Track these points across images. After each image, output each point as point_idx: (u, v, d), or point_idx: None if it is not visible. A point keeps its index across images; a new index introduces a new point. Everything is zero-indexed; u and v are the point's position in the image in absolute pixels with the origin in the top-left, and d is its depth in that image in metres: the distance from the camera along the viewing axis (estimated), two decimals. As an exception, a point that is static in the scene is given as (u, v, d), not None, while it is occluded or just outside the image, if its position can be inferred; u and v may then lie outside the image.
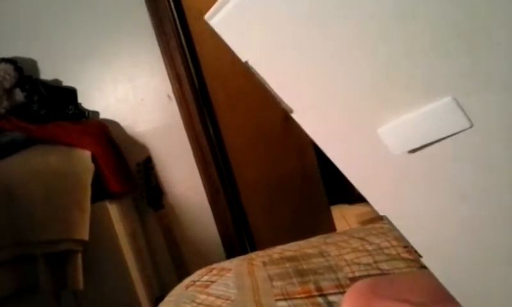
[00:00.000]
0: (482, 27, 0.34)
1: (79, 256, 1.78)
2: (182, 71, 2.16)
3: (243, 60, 0.45)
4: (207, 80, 2.27)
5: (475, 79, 0.36)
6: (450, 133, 0.39)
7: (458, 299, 0.53)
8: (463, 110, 0.37)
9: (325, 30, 0.38)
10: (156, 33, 2.15)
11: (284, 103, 0.47)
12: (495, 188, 0.42)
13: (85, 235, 1.79)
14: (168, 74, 2.18)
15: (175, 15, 2.22)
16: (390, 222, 0.50)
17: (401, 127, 0.41)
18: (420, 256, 0.52)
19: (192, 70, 2.28)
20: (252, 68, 0.45)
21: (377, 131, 0.42)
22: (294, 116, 0.47)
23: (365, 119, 0.43)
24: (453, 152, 0.41)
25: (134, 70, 2.24)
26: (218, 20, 0.42)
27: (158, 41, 2.16)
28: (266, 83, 0.46)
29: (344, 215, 3.56)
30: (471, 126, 0.37)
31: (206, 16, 0.43)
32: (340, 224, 3.20)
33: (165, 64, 2.17)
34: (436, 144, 0.40)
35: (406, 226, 0.51)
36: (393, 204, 0.50)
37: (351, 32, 0.37)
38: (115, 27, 2.21)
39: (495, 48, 0.34)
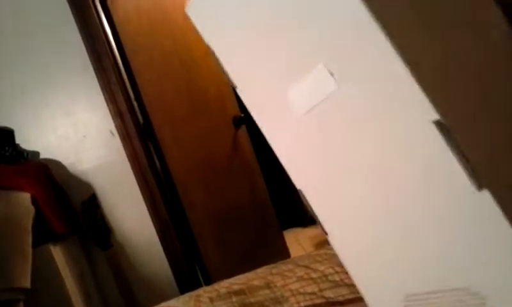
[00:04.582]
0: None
1: (21, 305, 1.70)
2: (123, 106, 2.13)
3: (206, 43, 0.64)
4: (151, 114, 2.25)
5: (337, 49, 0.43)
6: (325, 96, 0.47)
7: (355, 279, 0.56)
8: (331, 74, 0.45)
9: (250, 21, 0.50)
10: (95, 69, 2.11)
11: (230, 80, 0.63)
12: (362, 149, 0.48)
13: (26, 283, 1.70)
14: (110, 110, 2.15)
15: (114, 50, 2.20)
16: (304, 198, 0.55)
17: (300, 91, 0.50)
18: (326, 234, 0.56)
19: (135, 104, 2.25)
20: (212, 50, 0.63)
21: (288, 92, 0.51)
22: (238, 91, 0.62)
23: (279, 81, 0.52)
24: (329, 113, 0.48)
25: (73, 106, 2.19)
26: (190, 7, 0.60)
27: (97, 77, 2.12)
28: (220, 63, 0.64)
29: (297, 239, 3.58)
30: (337, 89, 0.45)
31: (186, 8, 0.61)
32: (294, 248, 3.21)
33: (106, 100, 2.14)
34: (318, 106, 0.48)
35: (312, 198, 0.56)
36: (300, 172, 0.57)
37: (263, 20, 0.49)
38: (51, 63, 2.16)
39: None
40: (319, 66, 0.45)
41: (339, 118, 0.48)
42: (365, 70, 0.42)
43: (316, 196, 0.56)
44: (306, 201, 0.57)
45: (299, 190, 0.57)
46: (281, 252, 2.76)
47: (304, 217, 3.85)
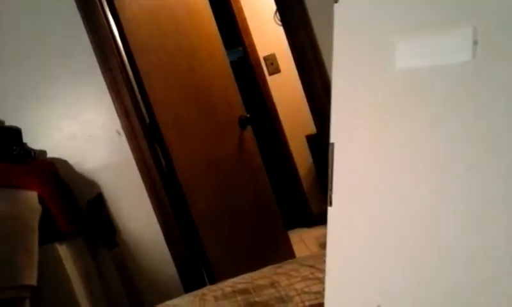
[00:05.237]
0: None
1: (27, 302, 1.71)
2: (130, 105, 2.14)
3: None
4: (157, 113, 2.26)
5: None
6: (452, 61, 0.39)
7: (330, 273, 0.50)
8: (474, 43, 0.37)
9: None
10: (101, 68, 2.12)
11: None
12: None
13: (33, 280, 1.71)
14: (116, 109, 2.16)
15: (121, 50, 2.21)
16: (331, 153, 0.48)
17: (413, 45, 0.42)
18: (329, 203, 0.50)
19: (141, 104, 2.26)
20: None
21: (396, 44, 0.43)
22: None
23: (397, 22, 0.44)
24: (445, 80, 0.41)
25: (80, 106, 2.21)
26: None
27: (104, 76, 2.13)
28: None
29: (302, 239, 3.58)
30: (472, 59, 0.37)
31: None
32: (299, 248, 3.21)
33: (112, 100, 2.15)
34: (428, 71, 0.41)
35: (341, 159, 0.50)
36: (349, 124, 0.50)
37: None
38: (58, 63, 2.17)
39: None
40: (465, 27, 0.37)
41: (447, 93, 0.40)
42: None
43: (348, 161, 0.49)
44: (332, 157, 0.50)
45: (332, 143, 0.50)
46: (285, 252, 2.76)
47: (309, 217, 3.86)
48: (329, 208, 0.54)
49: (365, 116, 0.48)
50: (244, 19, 3.72)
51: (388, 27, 0.45)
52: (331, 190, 0.53)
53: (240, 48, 3.90)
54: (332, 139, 0.49)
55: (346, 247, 0.54)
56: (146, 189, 2.21)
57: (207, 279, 2.37)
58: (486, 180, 0.38)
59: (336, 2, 0.49)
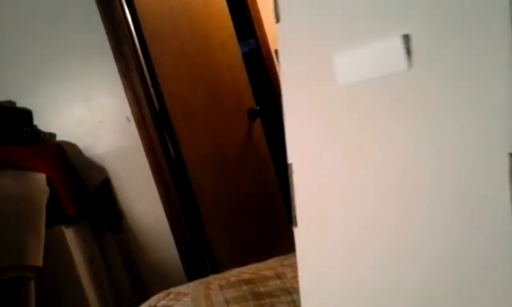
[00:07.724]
0: None
1: (32, 283, 1.72)
2: (141, 93, 2.14)
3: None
4: (167, 102, 2.25)
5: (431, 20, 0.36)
6: (389, 72, 0.39)
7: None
8: (407, 50, 0.37)
9: None
10: (114, 54, 2.13)
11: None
12: (393, 150, 0.41)
13: (38, 261, 1.73)
14: (127, 96, 2.16)
15: (134, 36, 2.20)
16: (290, 175, 0.49)
17: (351, 59, 0.42)
18: (294, 224, 0.51)
19: (152, 92, 2.26)
20: None
21: (334, 57, 0.44)
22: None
23: (332, 40, 0.45)
24: (386, 92, 0.41)
25: (91, 91, 2.21)
26: None
27: (116, 63, 2.13)
28: None
29: (307, 235, 3.58)
30: (408, 69, 0.38)
31: None
32: (303, 244, 3.21)
33: (123, 86, 2.15)
34: (370, 82, 0.41)
35: (301, 180, 0.51)
36: (302, 145, 0.50)
37: None
38: (71, 47, 2.18)
39: None
40: (395, 38, 0.37)
41: (389, 105, 0.40)
42: (465, 64, 0.35)
43: (308, 180, 0.51)
44: (292, 177, 0.51)
45: (290, 164, 0.51)
46: (289, 245, 2.76)
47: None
48: (295, 229, 0.55)
49: (317, 135, 0.48)
50: (258, 10, 3.69)
51: (327, 43, 0.45)
52: (294, 211, 0.54)
53: (252, 40, 3.87)
54: (289, 160, 0.50)
55: (316, 266, 0.55)
56: (154, 177, 2.22)
57: (209, 269, 2.37)
58: (437, 184, 0.39)
59: (277, 22, 0.49)
